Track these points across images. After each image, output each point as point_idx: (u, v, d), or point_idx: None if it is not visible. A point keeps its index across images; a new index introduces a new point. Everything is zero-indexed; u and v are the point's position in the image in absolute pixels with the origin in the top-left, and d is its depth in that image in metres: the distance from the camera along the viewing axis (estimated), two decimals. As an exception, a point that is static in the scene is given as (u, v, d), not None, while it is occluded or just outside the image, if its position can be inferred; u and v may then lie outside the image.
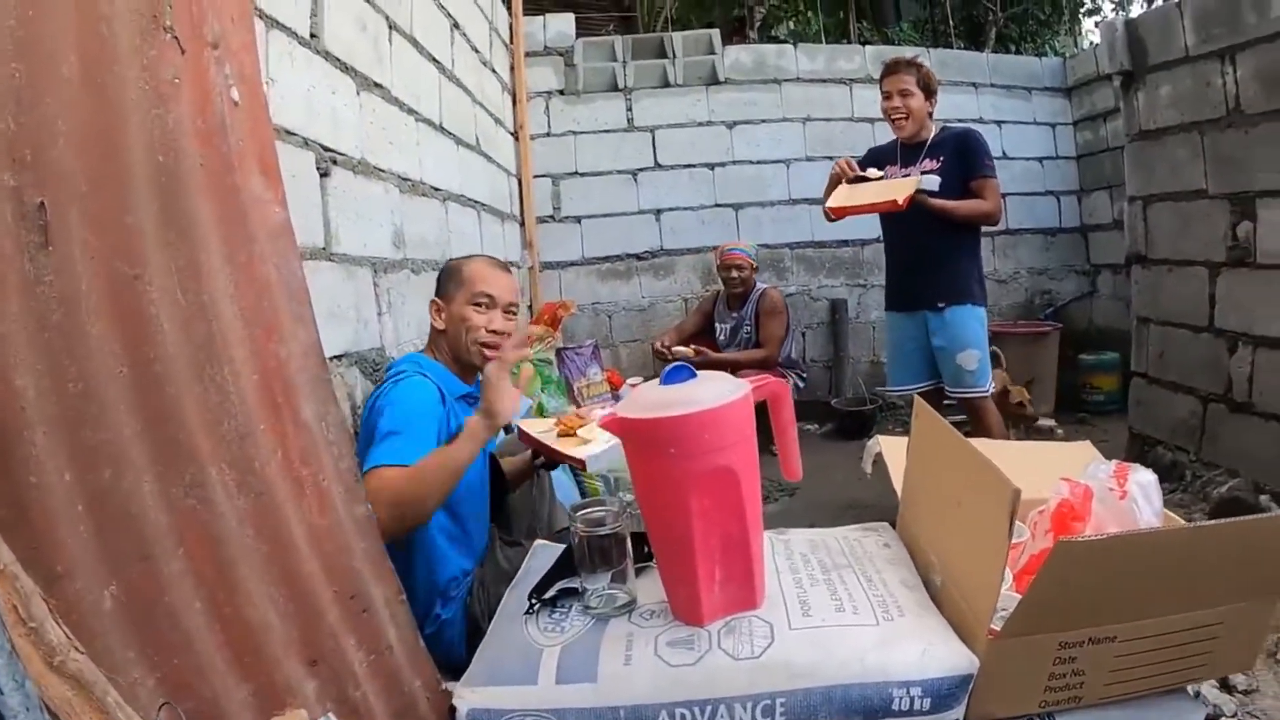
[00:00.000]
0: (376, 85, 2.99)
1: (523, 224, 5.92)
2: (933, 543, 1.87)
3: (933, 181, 3.66)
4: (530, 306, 5.83)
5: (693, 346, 5.31)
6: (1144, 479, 1.83)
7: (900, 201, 3.54)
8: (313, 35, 2.52)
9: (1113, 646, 1.53)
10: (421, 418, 2.16)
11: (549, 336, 5.28)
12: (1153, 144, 4.32)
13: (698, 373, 1.69)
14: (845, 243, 6.60)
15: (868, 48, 6.92)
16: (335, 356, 2.50)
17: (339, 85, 2.68)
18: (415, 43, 3.50)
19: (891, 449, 2.50)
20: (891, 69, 3.88)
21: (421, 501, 1.99)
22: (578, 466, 2.31)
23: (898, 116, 3.89)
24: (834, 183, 3.89)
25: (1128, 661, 1.56)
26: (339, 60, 2.67)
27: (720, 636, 1.58)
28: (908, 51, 6.60)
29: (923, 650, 1.53)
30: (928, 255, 3.91)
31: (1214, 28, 3.77)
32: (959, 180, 3.78)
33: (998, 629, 1.52)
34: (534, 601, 1.74)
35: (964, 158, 3.84)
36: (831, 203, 3.77)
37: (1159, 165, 4.29)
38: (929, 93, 3.89)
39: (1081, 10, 10.14)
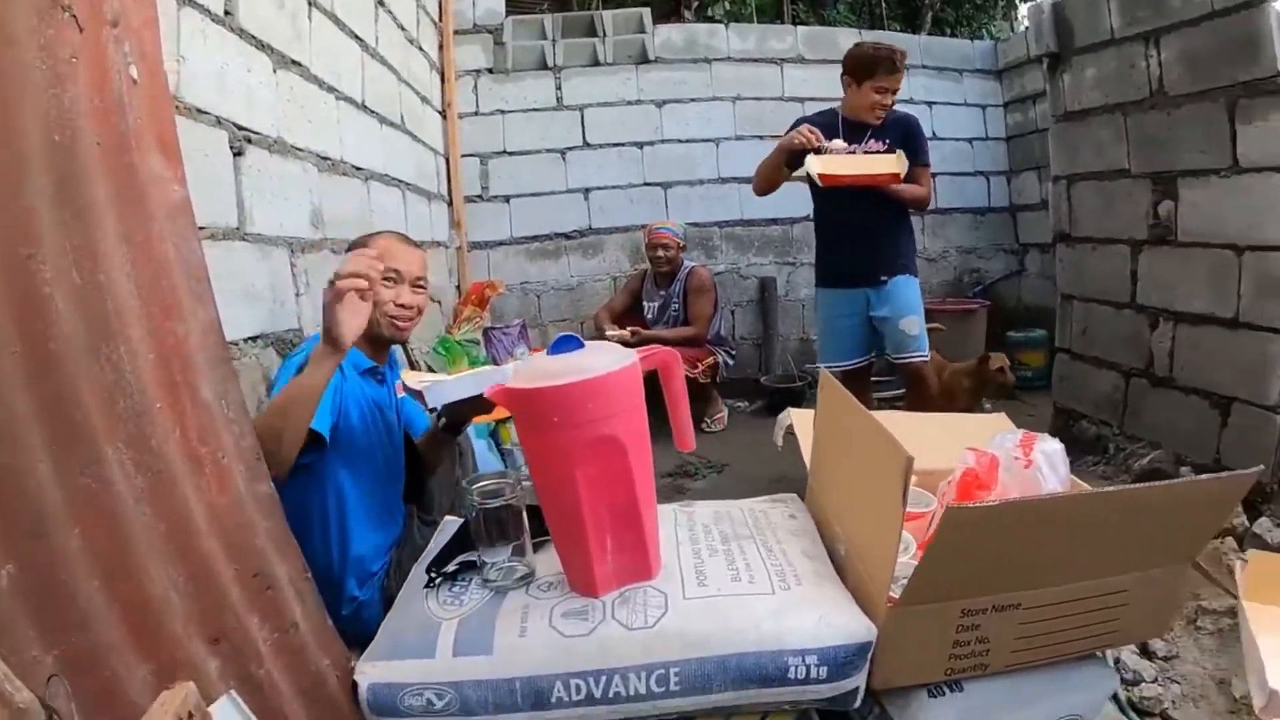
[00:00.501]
0: (294, 63, 2.97)
1: (450, 203, 5.89)
2: (837, 513, 1.90)
3: None
4: (458, 287, 5.82)
5: (629, 328, 5.33)
6: (1049, 448, 1.86)
7: (901, 176, 3.67)
8: (227, 12, 2.49)
9: (1017, 614, 1.56)
10: None
11: (477, 316, 5.28)
12: (1077, 125, 4.40)
13: (585, 343, 1.70)
14: (774, 221, 6.67)
15: (800, 28, 6.96)
16: (250, 338, 2.48)
17: (254, 63, 2.66)
18: (336, 20, 3.47)
19: (801, 421, 2.53)
20: (894, 66, 3.83)
21: (273, 436, 1.84)
22: (418, 400, 2.21)
23: (883, 114, 3.91)
24: (789, 153, 3.83)
25: (1034, 629, 1.59)
26: (254, 38, 2.65)
27: (614, 607, 1.59)
28: (841, 35, 6.72)
29: (819, 619, 1.55)
30: (874, 233, 3.96)
31: (1139, 10, 3.84)
32: None
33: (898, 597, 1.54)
34: (434, 575, 1.74)
35: (909, 144, 3.89)
36: (821, 169, 3.68)
37: (1083, 145, 4.37)
38: None
39: (1017, -5, 10.22)
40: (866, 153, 3.82)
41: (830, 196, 3.92)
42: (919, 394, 4.11)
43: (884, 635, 1.55)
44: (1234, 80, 3.37)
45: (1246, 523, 3.10)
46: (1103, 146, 4.20)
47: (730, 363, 5.78)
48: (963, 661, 1.59)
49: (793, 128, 3.94)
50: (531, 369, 1.65)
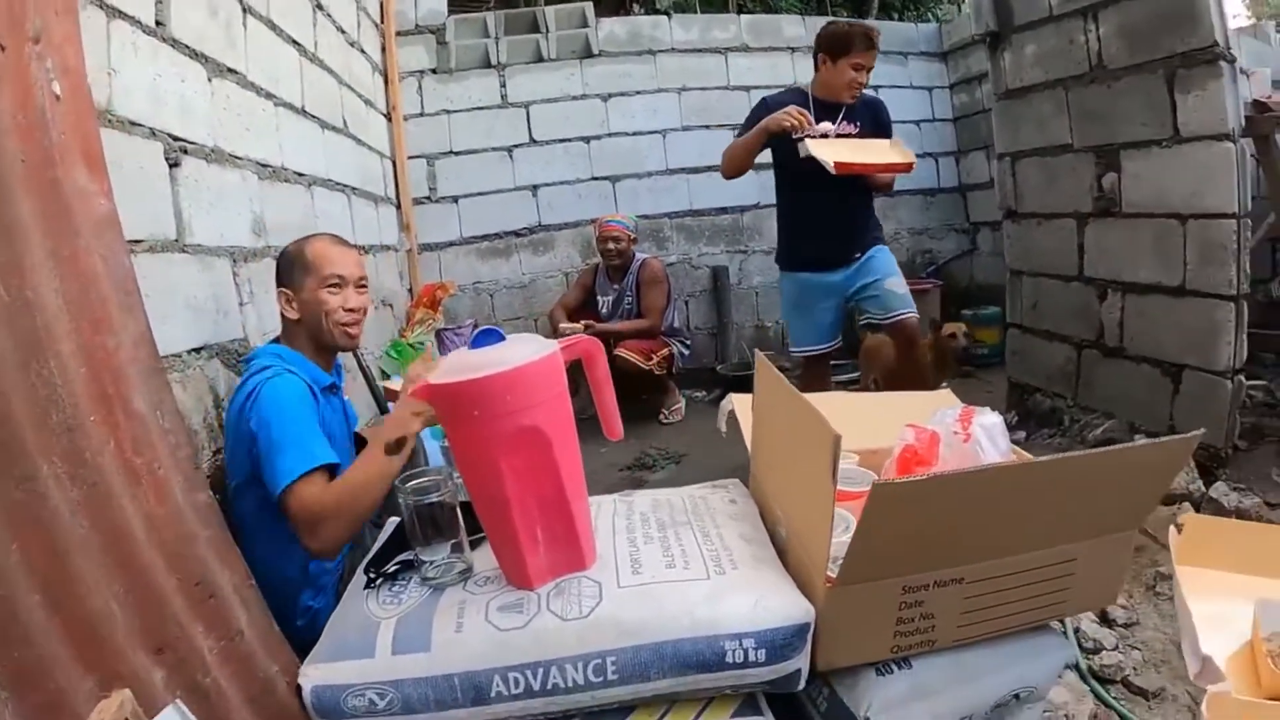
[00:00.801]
0: (230, 71, 2.95)
1: (399, 206, 5.86)
2: (776, 496, 1.88)
3: None
4: (410, 290, 5.81)
5: (583, 322, 5.35)
6: (987, 421, 1.83)
7: (913, 165, 3.80)
8: (159, 23, 2.47)
9: (960, 588, 1.54)
10: (306, 418, 2.14)
11: (429, 319, 5.27)
12: (1019, 102, 4.46)
13: (506, 335, 1.69)
14: (724, 210, 6.72)
15: (743, 16, 7.00)
16: (194, 349, 2.47)
17: (188, 73, 2.63)
18: (273, 25, 3.44)
19: (742, 406, 2.54)
20: (871, 43, 3.91)
21: (368, 512, 2.03)
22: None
23: (858, 91, 3.97)
24: (769, 135, 3.83)
25: (979, 603, 1.57)
26: (188, 47, 2.63)
27: (549, 599, 1.57)
28: (785, 22, 6.77)
29: (755, 602, 1.53)
30: (847, 215, 4.03)
31: (1077, -15, 3.90)
32: None
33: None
34: (373, 575, 1.73)
35: (880, 128, 4.02)
36: (835, 157, 3.67)
37: (1026, 122, 4.43)
38: None
39: (964, -21, 10.23)
40: (840, 135, 3.87)
41: (803, 181, 3.93)
42: (912, 354, 4.16)
43: (824, 616, 1.53)
44: (1172, 51, 3.43)
45: (1203, 488, 3.16)
46: (1045, 122, 4.26)
47: (686, 353, 5.82)
48: (909, 639, 1.58)
49: (758, 108, 3.99)
50: (452, 364, 1.63)
